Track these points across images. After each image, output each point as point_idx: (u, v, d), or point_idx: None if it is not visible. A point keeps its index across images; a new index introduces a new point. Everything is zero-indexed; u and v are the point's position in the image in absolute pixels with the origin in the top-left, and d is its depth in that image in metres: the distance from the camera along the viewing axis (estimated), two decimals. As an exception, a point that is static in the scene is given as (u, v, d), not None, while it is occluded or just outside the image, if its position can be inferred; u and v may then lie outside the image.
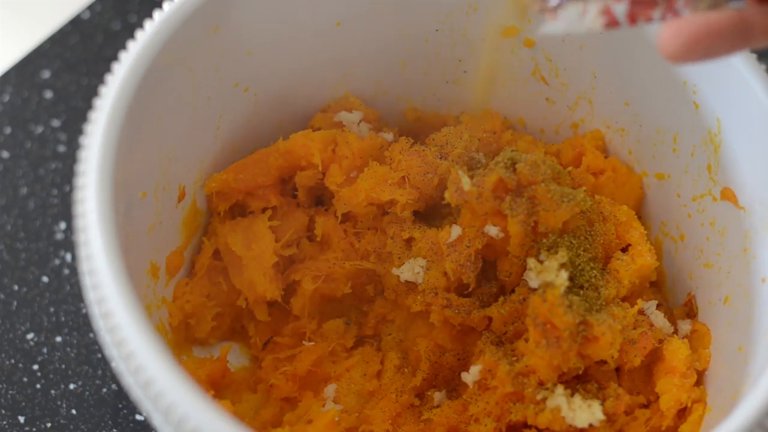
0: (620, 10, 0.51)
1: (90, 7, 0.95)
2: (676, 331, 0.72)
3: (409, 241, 0.73)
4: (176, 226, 0.73)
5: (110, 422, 0.78)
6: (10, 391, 0.79)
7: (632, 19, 0.51)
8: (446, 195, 0.70)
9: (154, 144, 0.67)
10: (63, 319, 0.82)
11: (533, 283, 0.67)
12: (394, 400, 0.71)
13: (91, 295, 0.57)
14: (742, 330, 0.66)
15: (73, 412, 0.78)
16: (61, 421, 0.78)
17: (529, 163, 0.68)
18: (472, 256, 0.70)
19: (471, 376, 0.69)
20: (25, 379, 0.79)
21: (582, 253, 0.69)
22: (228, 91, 0.72)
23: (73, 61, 0.93)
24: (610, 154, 0.78)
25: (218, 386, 0.72)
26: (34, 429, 0.78)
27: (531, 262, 0.68)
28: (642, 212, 0.78)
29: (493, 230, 0.69)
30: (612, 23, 0.51)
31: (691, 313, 0.74)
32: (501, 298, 0.71)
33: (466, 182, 0.68)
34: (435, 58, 0.78)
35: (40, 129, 0.89)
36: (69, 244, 0.84)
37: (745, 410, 0.57)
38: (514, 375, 0.67)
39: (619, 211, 0.73)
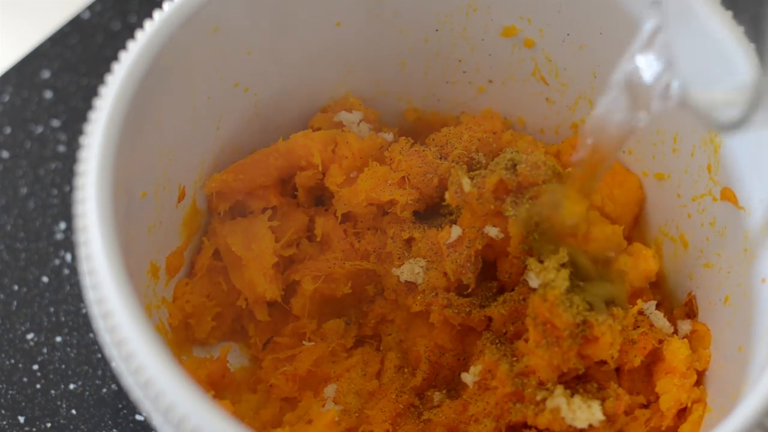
0: None
1: (90, 7, 0.95)
2: (676, 331, 0.72)
3: (409, 241, 0.73)
4: (176, 226, 0.73)
5: (110, 422, 0.78)
6: (10, 391, 0.79)
7: None
8: (446, 196, 0.70)
9: (154, 144, 0.67)
10: (63, 319, 0.82)
11: (533, 283, 0.67)
12: (394, 400, 0.71)
13: (91, 295, 0.57)
14: (742, 330, 0.66)
15: (73, 412, 0.78)
16: (61, 421, 0.78)
17: (529, 164, 0.68)
18: (472, 257, 0.70)
19: (471, 376, 0.69)
20: (25, 379, 0.79)
21: (582, 252, 0.69)
22: (228, 91, 0.72)
23: (73, 61, 0.93)
24: (610, 154, 0.78)
25: (218, 386, 0.72)
26: (34, 429, 0.78)
27: (531, 262, 0.68)
28: (642, 212, 0.78)
29: (492, 231, 0.69)
30: None
31: (691, 313, 0.74)
32: (500, 298, 0.71)
33: (466, 183, 0.68)
34: (435, 58, 0.78)
35: (40, 129, 0.89)
36: (69, 244, 0.84)
37: (745, 410, 0.57)
38: (514, 375, 0.67)
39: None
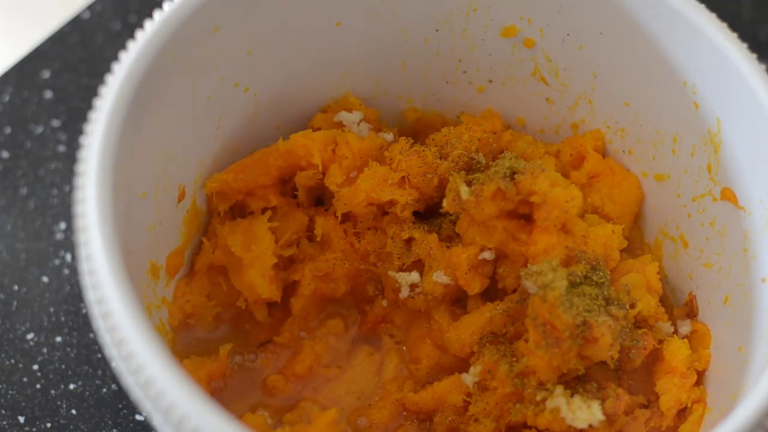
0: None
1: (90, 7, 0.95)
2: (676, 331, 0.72)
3: (409, 241, 0.73)
4: (176, 226, 0.73)
5: (110, 422, 0.78)
6: (10, 391, 0.79)
7: None
8: (444, 203, 0.70)
9: (154, 144, 0.67)
10: (63, 319, 0.82)
11: (532, 289, 0.67)
12: (394, 400, 0.71)
13: (91, 295, 0.57)
14: (742, 330, 0.66)
15: (73, 412, 0.78)
16: (61, 421, 0.78)
17: (528, 173, 0.67)
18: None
19: (471, 376, 0.69)
20: (25, 379, 0.79)
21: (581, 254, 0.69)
22: (228, 91, 0.72)
23: (73, 61, 0.93)
24: (610, 154, 0.78)
25: (218, 386, 0.72)
26: (34, 429, 0.78)
27: (525, 271, 0.67)
28: (642, 213, 0.78)
29: (488, 254, 0.70)
30: None
31: (691, 313, 0.74)
32: (498, 301, 0.71)
33: (464, 191, 0.68)
34: (435, 58, 0.78)
35: (40, 129, 0.89)
36: (69, 244, 0.84)
37: (745, 410, 0.57)
38: (514, 375, 0.67)
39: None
